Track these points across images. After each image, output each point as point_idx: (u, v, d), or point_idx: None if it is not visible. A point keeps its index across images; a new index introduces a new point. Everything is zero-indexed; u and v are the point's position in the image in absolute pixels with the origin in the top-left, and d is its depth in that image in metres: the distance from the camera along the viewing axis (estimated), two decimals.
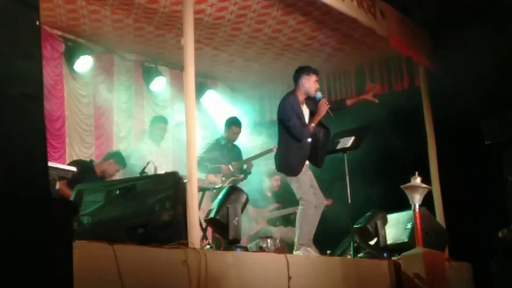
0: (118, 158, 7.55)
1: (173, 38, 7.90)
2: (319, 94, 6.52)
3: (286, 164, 6.46)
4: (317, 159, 6.55)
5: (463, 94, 8.11)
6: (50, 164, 5.24)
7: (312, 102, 6.59)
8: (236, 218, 5.54)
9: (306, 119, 6.51)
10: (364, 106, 8.54)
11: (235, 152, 8.50)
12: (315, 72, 6.58)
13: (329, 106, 6.49)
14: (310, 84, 6.50)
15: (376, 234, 6.93)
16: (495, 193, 7.85)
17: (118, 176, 7.93)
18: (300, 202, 6.34)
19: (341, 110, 6.94)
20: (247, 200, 5.82)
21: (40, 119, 2.95)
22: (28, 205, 2.73)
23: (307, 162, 6.50)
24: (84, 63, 7.99)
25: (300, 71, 6.58)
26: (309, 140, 6.43)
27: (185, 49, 5.46)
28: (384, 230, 7.00)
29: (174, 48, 8.21)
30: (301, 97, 6.54)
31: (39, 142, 2.92)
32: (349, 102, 6.95)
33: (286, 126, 6.41)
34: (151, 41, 8.24)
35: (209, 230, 6.91)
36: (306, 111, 6.57)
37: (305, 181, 6.37)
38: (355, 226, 7.02)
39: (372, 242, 7.01)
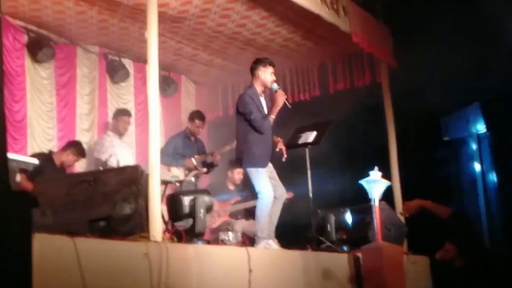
0: (77, 148, 7.52)
1: (137, 31, 7.89)
2: (275, 86, 6.54)
3: (252, 156, 6.42)
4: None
5: (423, 91, 8.26)
6: (10, 155, 5.21)
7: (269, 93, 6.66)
8: (202, 211, 5.59)
9: (265, 111, 6.56)
10: (326, 102, 8.65)
11: (198, 146, 8.53)
12: (272, 64, 6.60)
13: (285, 96, 6.53)
14: (266, 75, 6.53)
15: (335, 227, 7.05)
16: (453, 188, 8.02)
17: (80, 168, 7.91)
18: (258, 196, 6.34)
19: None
20: (211, 206, 5.92)
21: None
22: None
23: None
24: (46, 55, 7.92)
25: (257, 63, 6.61)
26: (270, 132, 6.49)
27: (149, 42, 5.47)
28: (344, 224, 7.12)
29: (138, 41, 8.20)
30: (259, 88, 6.57)
31: None
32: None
33: (247, 119, 6.43)
34: (114, 33, 8.21)
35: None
36: (264, 103, 6.61)
37: (264, 174, 6.39)
38: (333, 216, 7.12)
39: (331, 236, 7.12)
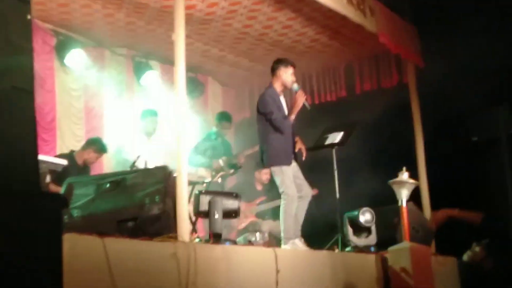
0: (97, 145, 7.56)
1: (164, 33, 7.93)
2: (295, 86, 6.60)
3: (274, 154, 6.45)
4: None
5: (451, 91, 8.19)
6: (40, 157, 5.28)
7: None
8: (217, 213, 5.61)
9: (285, 110, 6.61)
10: (353, 102, 8.62)
11: (225, 147, 8.56)
12: (293, 64, 6.66)
13: (305, 97, 6.57)
14: (287, 75, 6.59)
15: (366, 229, 7.02)
16: (481, 189, 7.92)
17: (108, 169, 7.98)
18: (282, 196, 6.35)
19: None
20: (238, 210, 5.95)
21: (31, 112, 2.97)
22: (18, 198, 2.76)
23: None
24: (75, 57, 8.01)
25: (278, 62, 6.68)
26: (291, 131, 6.53)
27: (176, 44, 5.50)
28: (373, 225, 7.09)
29: (165, 43, 8.23)
30: (278, 88, 6.64)
31: (30, 135, 2.94)
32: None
33: (268, 119, 6.47)
34: (142, 35, 8.27)
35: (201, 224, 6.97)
36: (283, 102, 6.67)
37: (289, 175, 6.39)
38: (348, 217, 7.10)
39: (360, 237, 7.09)
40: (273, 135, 6.47)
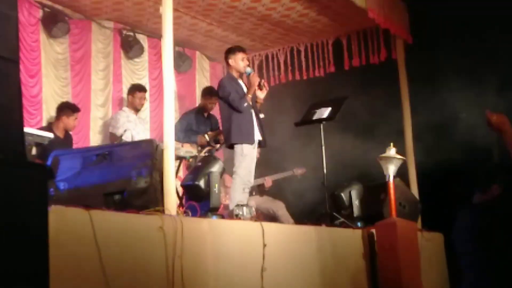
0: (70, 107, 7.47)
1: (152, 6, 7.86)
2: (248, 70, 6.89)
3: (238, 131, 6.65)
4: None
5: (440, 68, 8.19)
6: (27, 130, 5.24)
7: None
8: (217, 185, 5.64)
9: (244, 92, 6.83)
10: (341, 78, 8.61)
11: (212, 122, 8.52)
12: (241, 49, 6.97)
13: (259, 79, 6.84)
14: (237, 62, 6.87)
15: (349, 203, 7.04)
16: (469, 163, 7.95)
17: (94, 143, 7.96)
18: (233, 175, 6.63)
19: None
20: (223, 169, 5.94)
21: (16, 82, 2.93)
22: (4, 168, 2.73)
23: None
24: (61, 30, 7.92)
25: (227, 52, 6.97)
26: (251, 111, 6.72)
27: (164, 18, 5.44)
28: (358, 200, 7.11)
29: (152, 17, 8.17)
30: (235, 74, 6.93)
31: (15, 104, 2.91)
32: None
33: (227, 101, 6.72)
34: (129, 8, 8.19)
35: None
36: (243, 85, 6.93)
37: (248, 158, 6.62)
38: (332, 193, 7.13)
39: (345, 212, 7.12)
40: (234, 115, 6.70)
